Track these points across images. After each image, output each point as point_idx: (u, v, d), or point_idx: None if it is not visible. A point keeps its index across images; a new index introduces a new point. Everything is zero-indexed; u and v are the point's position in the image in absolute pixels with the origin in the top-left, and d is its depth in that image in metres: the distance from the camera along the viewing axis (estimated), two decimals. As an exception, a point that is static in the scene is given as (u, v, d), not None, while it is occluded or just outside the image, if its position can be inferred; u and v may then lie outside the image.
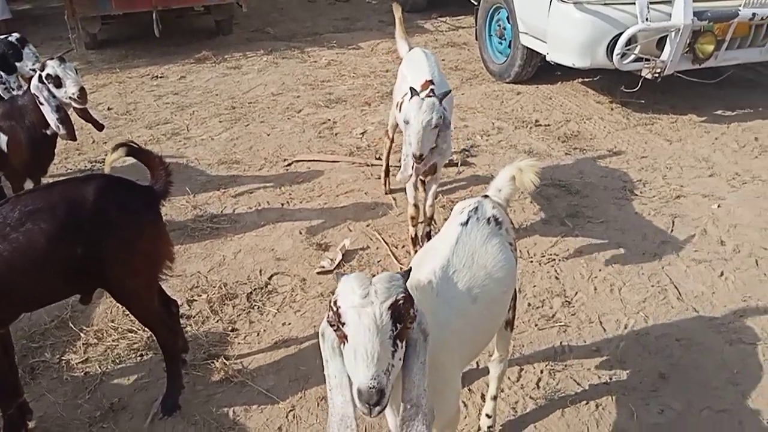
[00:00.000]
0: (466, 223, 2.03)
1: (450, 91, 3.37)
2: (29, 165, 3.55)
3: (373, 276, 1.50)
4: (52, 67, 3.38)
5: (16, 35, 4.06)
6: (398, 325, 1.40)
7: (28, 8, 8.45)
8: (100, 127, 3.79)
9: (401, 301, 1.39)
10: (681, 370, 2.85)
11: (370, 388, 1.33)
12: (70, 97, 3.41)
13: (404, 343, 1.44)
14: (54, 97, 3.40)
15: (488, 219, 2.07)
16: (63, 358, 3.08)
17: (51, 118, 3.41)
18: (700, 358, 2.90)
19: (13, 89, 3.83)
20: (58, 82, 3.38)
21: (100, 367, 3.00)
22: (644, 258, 3.60)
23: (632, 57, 4.88)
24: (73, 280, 2.36)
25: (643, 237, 3.78)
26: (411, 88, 3.17)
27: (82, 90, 3.41)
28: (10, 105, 3.54)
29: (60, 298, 2.53)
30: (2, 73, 3.82)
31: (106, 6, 6.87)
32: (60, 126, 3.42)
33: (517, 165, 2.28)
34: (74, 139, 3.55)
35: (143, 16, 7.04)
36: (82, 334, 3.19)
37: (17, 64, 3.91)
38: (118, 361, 3.04)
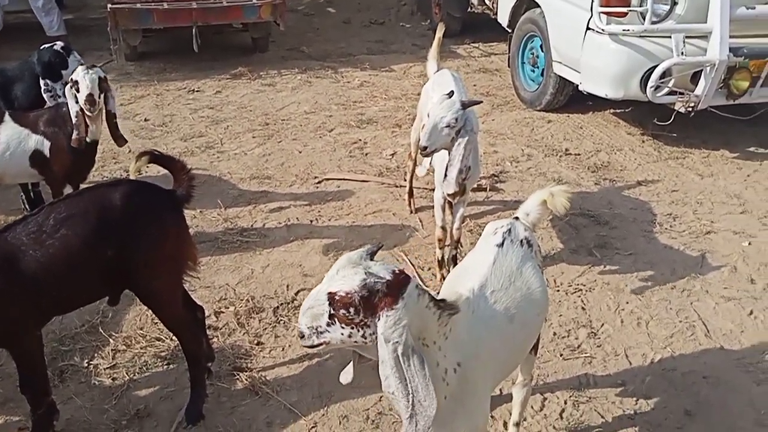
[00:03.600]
0: (502, 244, 2.07)
1: (479, 101, 3.41)
2: (69, 171, 3.65)
3: (357, 264, 1.62)
4: (76, 73, 3.44)
5: (61, 44, 4.18)
6: (332, 308, 1.59)
7: (70, 18, 8.69)
8: (120, 142, 3.75)
9: (336, 296, 1.57)
10: (707, 408, 2.81)
11: (298, 328, 1.67)
12: (83, 103, 3.43)
13: (355, 329, 1.60)
14: (76, 102, 3.45)
15: (521, 241, 2.11)
16: (92, 362, 3.14)
17: (72, 122, 3.49)
18: (727, 397, 2.87)
19: (59, 96, 3.94)
20: (77, 88, 3.43)
21: (127, 373, 3.06)
22: (673, 293, 3.57)
23: (666, 90, 4.88)
24: (104, 282, 2.45)
25: (672, 271, 3.75)
26: (451, 91, 3.22)
27: (89, 96, 3.38)
28: (55, 112, 3.64)
29: (92, 300, 2.60)
30: (49, 81, 3.94)
31: (147, 19, 7.04)
32: (75, 130, 3.49)
33: (549, 190, 2.31)
34: (80, 145, 3.52)
35: (183, 30, 7.19)
36: (111, 340, 3.25)
37: (63, 71, 4.02)
38: (145, 368, 3.09)
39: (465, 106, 3.16)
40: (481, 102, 3.43)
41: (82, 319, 3.38)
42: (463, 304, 1.83)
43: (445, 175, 3.26)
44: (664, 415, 2.77)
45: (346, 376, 1.89)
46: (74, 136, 3.49)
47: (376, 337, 1.60)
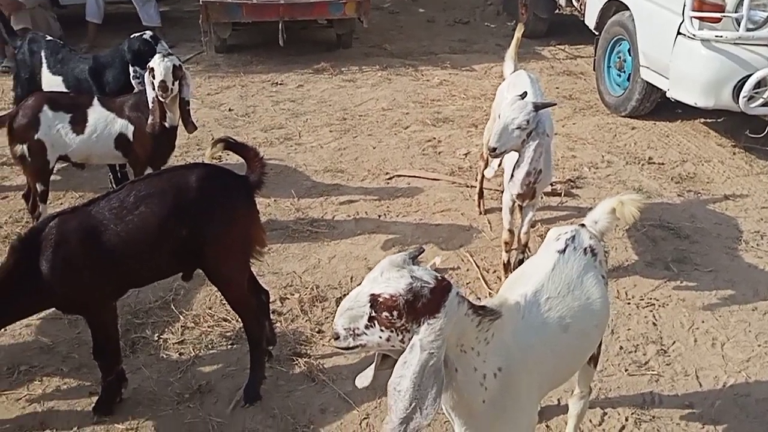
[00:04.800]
0: (564, 251, 2.01)
1: (554, 103, 3.32)
2: (151, 154, 3.82)
3: (401, 267, 1.59)
4: (153, 60, 3.55)
5: (150, 33, 4.38)
6: (373, 311, 1.56)
7: (166, 10, 9.08)
8: (190, 129, 3.81)
9: (380, 298, 1.55)
10: (781, 438, 2.65)
11: (333, 326, 1.63)
12: (156, 89, 3.52)
13: (395, 333, 1.56)
14: (152, 89, 3.56)
15: (585, 249, 2.05)
16: (162, 336, 3.28)
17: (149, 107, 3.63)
18: (806, 429, 2.68)
19: (146, 83, 4.13)
20: (153, 75, 3.53)
21: (193, 350, 3.18)
22: (753, 314, 3.37)
23: (760, 101, 4.62)
24: (177, 259, 2.56)
25: (755, 292, 3.55)
26: (524, 92, 3.17)
27: (162, 83, 3.47)
28: (140, 97, 3.81)
29: (165, 275, 2.72)
30: (137, 68, 4.13)
31: (237, 13, 7.28)
32: (150, 116, 3.62)
33: (619, 198, 2.23)
34: (154, 130, 3.64)
35: (270, 25, 7.40)
36: (181, 317, 3.39)
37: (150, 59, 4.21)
38: (210, 346, 3.21)
39: (538, 108, 3.09)
40: (555, 104, 3.34)
41: (156, 295, 3.54)
42: (512, 309, 1.79)
43: (512, 176, 3.20)
44: (733, 442, 2.63)
45: (363, 380, 1.86)
46: (149, 121, 3.64)
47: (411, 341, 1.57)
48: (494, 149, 3.08)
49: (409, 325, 1.55)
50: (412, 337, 1.57)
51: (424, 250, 1.74)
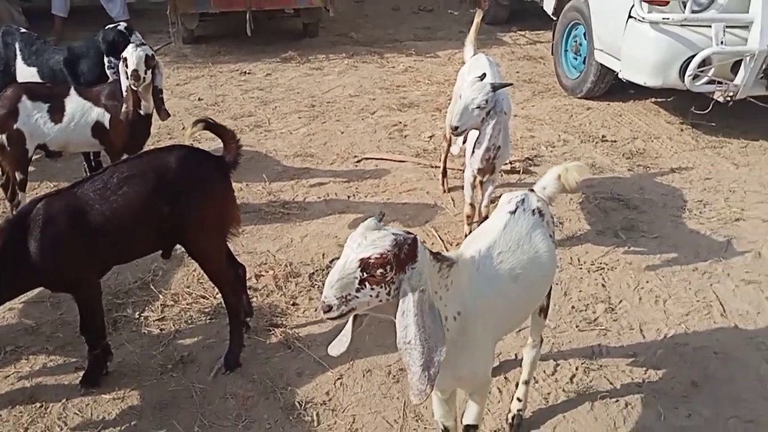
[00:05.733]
0: (514, 211, 2.25)
1: (510, 84, 3.54)
2: (127, 142, 3.96)
3: (376, 229, 1.77)
4: (126, 50, 3.67)
5: (124, 24, 4.51)
6: (365, 273, 1.72)
7: (131, 2, 9.11)
8: (162, 116, 3.92)
9: (371, 260, 1.71)
10: (714, 381, 2.93)
11: (322, 302, 1.75)
12: (129, 78, 3.64)
13: (383, 287, 1.74)
14: (126, 78, 3.69)
15: (533, 210, 2.28)
16: (142, 314, 3.45)
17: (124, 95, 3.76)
18: (736, 372, 2.97)
19: (121, 73, 4.26)
20: (126, 64, 3.65)
21: (174, 325, 3.36)
22: (693, 274, 3.67)
23: (705, 79, 4.91)
24: (158, 236, 2.74)
25: (696, 254, 3.84)
26: (483, 74, 3.39)
27: (134, 72, 3.59)
28: (115, 86, 3.94)
29: (147, 252, 2.90)
30: (112, 58, 4.25)
31: (205, 4, 7.39)
32: (124, 104, 3.75)
33: (564, 165, 2.47)
34: (127, 118, 3.77)
35: (237, 15, 7.52)
36: (160, 296, 3.56)
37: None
38: (190, 322, 3.39)
39: (495, 88, 3.32)
40: (512, 84, 3.57)
41: (135, 276, 3.71)
42: (468, 262, 2.03)
43: (473, 152, 3.43)
44: (671, 385, 2.90)
45: (339, 347, 2.01)
46: (123, 109, 3.79)
47: (398, 292, 1.77)
48: (456, 128, 3.31)
49: (396, 276, 1.75)
50: (398, 287, 1.76)
51: (384, 214, 1.94)
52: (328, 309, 1.74)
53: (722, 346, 3.13)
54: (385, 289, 1.75)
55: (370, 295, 1.75)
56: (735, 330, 3.24)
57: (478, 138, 3.45)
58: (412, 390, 1.80)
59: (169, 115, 4.06)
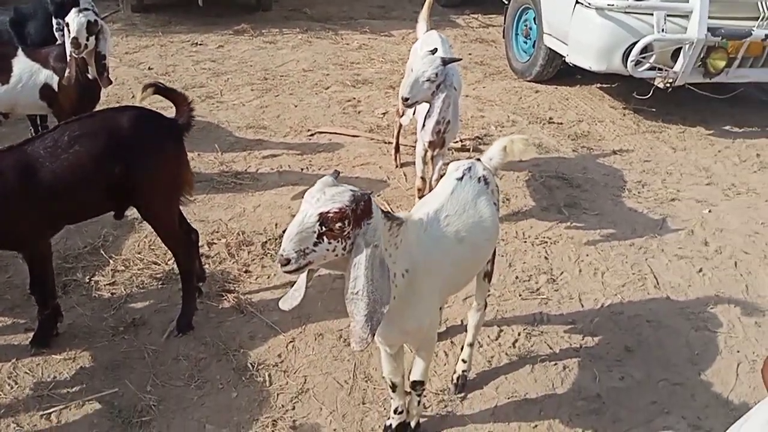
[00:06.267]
0: (461, 178, 2.35)
1: (459, 59, 3.63)
2: (75, 105, 3.87)
3: (333, 186, 1.84)
4: (69, 15, 3.57)
5: (73, -16, 4.40)
6: (323, 227, 1.78)
7: (80, -32, 8.86)
8: (104, 83, 3.81)
9: (330, 214, 1.77)
10: (646, 346, 3.13)
11: (280, 255, 1.79)
12: (68, 45, 3.57)
13: (339, 242, 1.81)
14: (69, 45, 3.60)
15: (479, 178, 2.39)
16: (93, 279, 3.43)
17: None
18: (666, 339, 3.18)
19: (69, 35, 4.15)
20: (68, 30, 3.57)
21: (125, 289, 3.36)
22: (630, 249, 3.87)
23: (647, 66, 5.12)
24: (110, 196, 2.74)
25: (633, 231, 4.05)
26: (434, 49, 3.47)
27: (74, 39, 3.51)
28: (64, 49, 3.86)
29: (99, 212, 2.88)
30: (60, 20, 4.13)
31: (155, -28, 7.24)
32: (67, 68, 3.67)
33: (510, 137, 2.59)
34: (69, 83, 3.70)
35: (189, -15, 7.41)
36: (111, 261, 3.54)
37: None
38: (141, 286, 3.39)
39: (445, 62, 3.41)
40: (461, 59, 3.66)
41: (84, 242, 3.67)
42: (416, 223, 2.12)
43: (424, 125, 3.52)
44: (606, 350, 3.09)
45: (291, 301, 2.07)
46: (65, 73, 3.70)
47: (353, 247, 1.84)
48: (407, 99, 3.39)
49: (352, 231, 1.82)
50: (353, 242, 1.84)
51: (339, 173, 2.01)
52: (287, 262, 1.79)
53: (655, 315, 3.33)
54: (342, 243, 1.82)
55: (327, 249, 1.81)
56: (667, 301, 3.45)
57: (428, 111, 3.54)
58: (353, 337, 1.89)
59: (111, 83, 3.94)
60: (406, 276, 2.01)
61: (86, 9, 3.69)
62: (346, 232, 1.81)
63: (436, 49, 3.54)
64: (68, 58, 3.67)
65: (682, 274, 3.67)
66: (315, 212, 1.78)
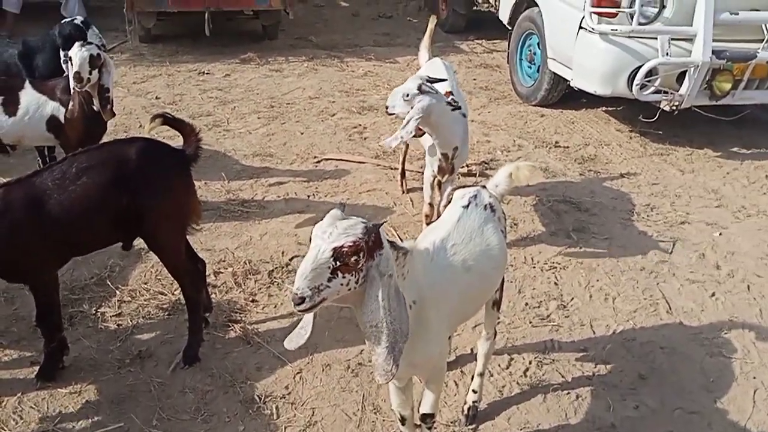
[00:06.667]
0: (467, 206, 2.33)
1: (444, 79, 3.68)
2: (82, 136, 3.90)
3: (343, 219, 1.81)
4: (72, 49, 3.60)
5: (80, 18, 4.46)
6: (338, 262, 1.74)
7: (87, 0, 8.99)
8: (107, 116, 3.79)
9: (345, 248, 1.74)
10: (660, 374, 3.07)
11: (294, 293, 1.75)
12: (71, 79, 3.60)
13: (353, 275, 1.78)
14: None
15: (485, 206, 2.37)
16: (99, 310, 3.41)
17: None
18: (680, 366, 3.12)
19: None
20: (71, 64, 3.59)
21: (131, 321, 3.33)
22: (641, 273, 3.82)
23: (652, 89, 5.12)
24: (118, 228, 2.73)
25: (643, 255, 4.00)
26: (427, 77, 3.51)
27: (76, 74, 3.54)
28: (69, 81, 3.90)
29: (107, 243, 2.88)
30: (67, 53, 4.18)
31: (162, 3, 7.31)
32: (70, 102, 3.70)
33: (515, 164, 2.57)
34: (72, 117, 3.73)
35: (196, 15, 7.47)
36: (117, 292, 3.52)
37: (82, 44, 4.29)
38: (147, 317, 3.37)
39: (432, 81, 3.46)
40: (446, 80, 3.69)
41: (91, 272, 3.66)
42: (422, 253, 2.10)
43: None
44: (620, 378, 3.03)
45: (297, 339, 2.02)
46: (69, 107, 3.72)
47: (365, 280, 1.82)
48: (387, 107, 3.51)
49: (365, 263, 1.79)
50: (365, 275, 1.81)
51: (345, 205, 1.98)
52: (301, 301, 1.74)
53: (668, 341, 3.28)
54: (355, 276, 1.79)
55: (341, 284, 1.78)
56: (680, 326, 3.39)
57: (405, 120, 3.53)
58: (378, 370, 1.85)
59: (114, 115, 3.91)
60: (413, 307, 1.98)
61: (89, 43, 3.72)
62: (360, 265, 1.78)
63: (442, 80, 3.56)
64: (72, 91, 3.70)
65: (694, 299, 3.62)
66: (328, 247, 1.74)
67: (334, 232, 1.76)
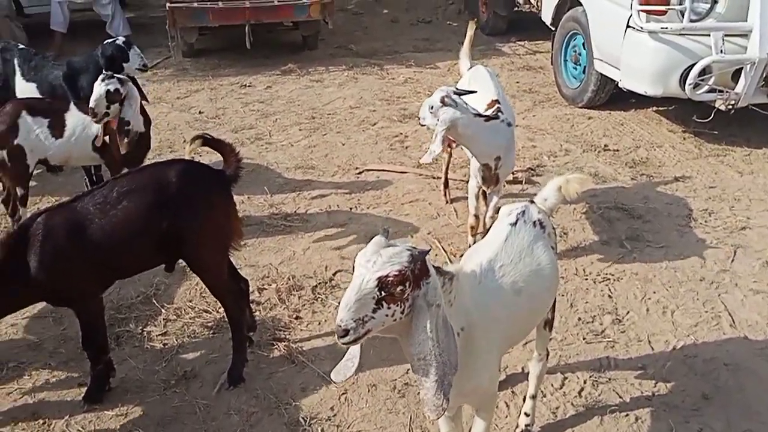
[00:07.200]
0: (515, 224, 2.22)
1: (474, 91, 3.58)
2: (126, 155, 3.94)
3: (388, 246, 1.72)
4: (95, 83, 3.60)
5: (122, 38, 4.51)
6: (383, 292, 1.67)
7: (132, 17, 9.15)
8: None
9: (390, 278, 1.66)
10: (725, 392, 2.89)
11: (338, 326, 1.68)
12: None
13: (399, 306, 1.70)
14: None
15: (534, 222, 2.26)
16: (145, 329, 3.42)
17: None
18: (746, 383, 2.94)
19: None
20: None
21: (176, 340, 3.32)
22: (701, 284, 3.63)
23: (706, 88, 4.90)
24: (159, 250, 2.72)
25: (702, 264, 3.81)
26: (455, 89, 3.45)
27: (90, 110, 3.59)
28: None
29: (149, 266, 2.87)
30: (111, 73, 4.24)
31: (203, 18, 7.39)
32: (100, 130, 3.76)
33: (565, 177, 2.45)
34: (99, 144, 3.81)
35: (236, 29, 7.52)
36: (163, 310, 3.52)
37: (124, 64, 4.33)
38: (193, 336, 3.36)
39: (459, 94, 3.38)
40: (475, 92, 3.58)
41: (137, 291, 3.67)
42: (469, 276, 2.00)
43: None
44: (682, 398, 2.87)
45: (345, 371, 1.93)
46: (97, 134, 3.78)
47: (412, 309, 1.73)
48: (418, 118, 3.48)
49: (411, 292, 1.71)
50: (411, 305, 1.73)
51: (389, 231, 1.89)
52: (345, 333, 1.67)
53: (732, 357, 3.09)
54: (401, 307, 1.71)
55: (386, 315, 1.70)
56: (745, 341, 3.21)
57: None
58: (428, 406, 1.76)
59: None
60: (461, 335, 1.88)
61: (112, 76, 3.64)
62: (406, 295, 1.70)
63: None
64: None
65: (759, 311, 3.42)
66: (373, 277, 1.67)
67: (378, 260, 1.68)
